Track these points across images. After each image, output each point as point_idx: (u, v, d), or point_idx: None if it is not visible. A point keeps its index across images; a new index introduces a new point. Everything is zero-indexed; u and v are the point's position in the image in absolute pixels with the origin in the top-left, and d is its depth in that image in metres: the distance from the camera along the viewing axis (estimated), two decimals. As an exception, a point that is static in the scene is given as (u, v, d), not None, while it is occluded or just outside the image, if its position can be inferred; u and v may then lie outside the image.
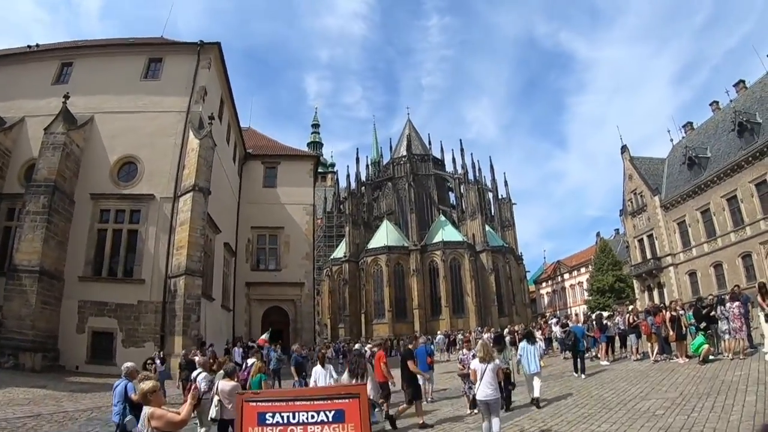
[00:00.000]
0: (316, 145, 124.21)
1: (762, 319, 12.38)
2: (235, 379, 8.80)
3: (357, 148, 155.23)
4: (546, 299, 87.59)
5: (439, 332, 38.84)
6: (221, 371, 9.30)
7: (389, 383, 11.32)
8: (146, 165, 24.00)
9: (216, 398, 8.37)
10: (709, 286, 36.56)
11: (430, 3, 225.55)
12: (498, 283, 64.90)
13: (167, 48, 27.50)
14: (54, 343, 20.94)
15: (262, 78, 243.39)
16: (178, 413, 4.87)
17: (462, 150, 75.57)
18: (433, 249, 64.10)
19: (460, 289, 62.47)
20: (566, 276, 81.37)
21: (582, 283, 73.57)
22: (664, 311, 16.02)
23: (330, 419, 4.88)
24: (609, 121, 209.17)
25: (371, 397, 10.23)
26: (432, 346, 22.52)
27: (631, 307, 22.88)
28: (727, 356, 13.35)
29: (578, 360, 15.15)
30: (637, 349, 17.13)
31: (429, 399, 12.86)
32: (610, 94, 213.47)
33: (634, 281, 49.28)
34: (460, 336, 29.79)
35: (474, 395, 7.97)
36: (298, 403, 5.06)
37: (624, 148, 49.53)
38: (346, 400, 5.00)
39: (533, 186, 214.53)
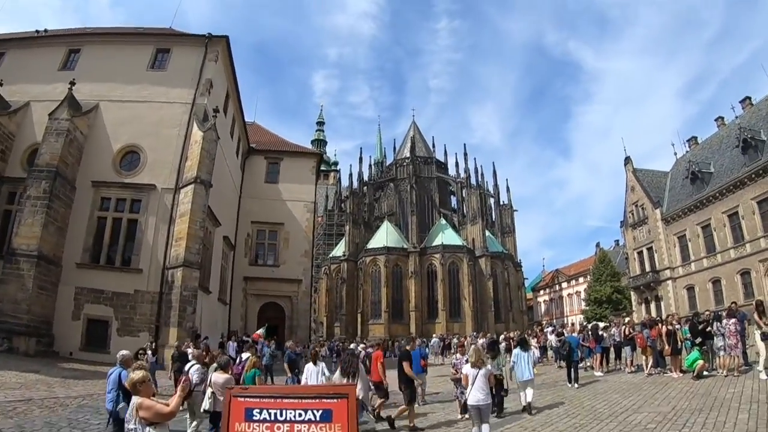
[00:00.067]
0: (320, 142, 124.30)
1: (758, 336, 12.33)
2: (229, 372, 8.80)
3: (360, 148, 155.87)
4: (543, 307, 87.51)
5: (434, 335, 38.87)
6: (214, 364, 9.28)
7: (383, 383, 11.31)
8: (149, 155, 23.98)
9: (209, 390, 8.35)
10: (706, 301, 36.49)
11: (441, 5, 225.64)
12: (496, 289, 65.00)
13: (175, 39, 27.48)
14: (49, 328, 20.91)
15: (269, 73, 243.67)
16: (167, 404, 4.85)
17: (465, 154, 75.68)
18: (433, 252, 64.18)
19: (457, 293, 62.56)
20: (564, 285, 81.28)
21: (580, 292, 73.52)
22: (660, 325, 16.00)
23: (317, 418, 4.84)
24: (614, 132, 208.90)
25: (360, 397, 10.22)
26: (427, 349, 22.53)
27: (627, 319, 22.87)
28: (722, 373, 13.31)
29: (572, 369, 15.13)
30: (631, 361, 17.13)
31: (421, 402, 12.83)
32: (617, 105, 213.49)
33: (632, 293, 49.23)
34: (455, 340, 29.77)
35: (465, 400, 7.94)
36: (286, 400, 5.03)
37: (627, 160, 49.51)
38: (335, 400, 4.97)
39: (535, 193, 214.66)
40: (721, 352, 13.56)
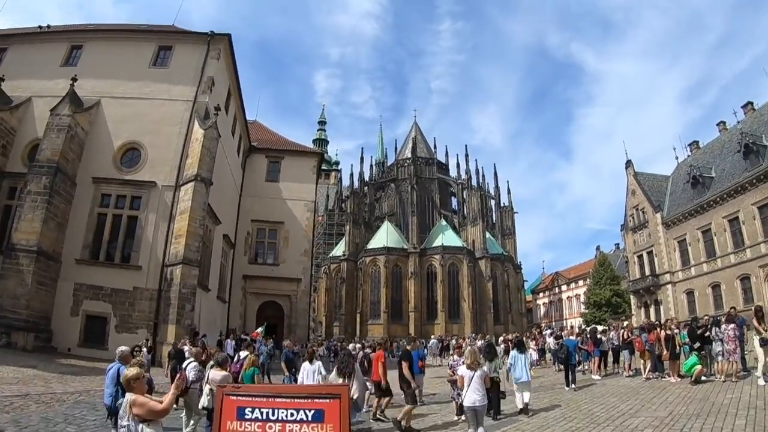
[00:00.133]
0: (322, 142, 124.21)
1: (757, 342, 12.29)
2: (227, 370, 8.80)
3: (362, 148, 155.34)
4: (542, 310, 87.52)
5: (433, 336, 38.83)
6: (212, 361, 9.29)
7: (382, 383, 11.32)
8: (150, 152, 23.98)
9: (207, 387, 8.35)
10: (706, 306, 36.49)
11: (444, 7, 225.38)
12: (495, 291, 64.99)
13: (177, 36, 27.46)
14: (47, 323, 20.94)
15: (271, 71, 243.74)
16: (161, 402, 4.85)
17: (467, 155, 75.77)
18: (433, 253, 64.18)
19: (457, 294, 62.55)
20: (564, 287, 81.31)
21: (579, 295, 73.48)
22: (658, 329, 15.99)
23: (309, 418, 4.83)
24: (615, 135, 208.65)
25: (355, 397, 10.23)
26: (425, 350, 22.48)
27: (626, 323, 22.84)
28: (720, 378, 13.29)
29: (570, 372, 15.14)
30: (629, 365, 17.11)
31: (418, 403, 12.81)
32: (618, 108, 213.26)
33: (632, 297, 49.20)
34: (453, 341, 29.72)
35: (461, 402, 7.94)
36: (278, 399, 5.01)
37: (629, 163, 49.50)
38: (327, 401, 4.95)
39: (536, 195, 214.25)
40: (720, 358, 13.54)
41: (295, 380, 12.56)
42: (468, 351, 8.62)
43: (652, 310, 44.48)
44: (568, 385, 14.90)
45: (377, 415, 11.31)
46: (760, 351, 12.16)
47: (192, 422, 9.01)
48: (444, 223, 70.13)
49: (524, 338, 24.97)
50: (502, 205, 76.65)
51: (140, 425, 4.68)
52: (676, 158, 48.59)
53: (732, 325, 13.17)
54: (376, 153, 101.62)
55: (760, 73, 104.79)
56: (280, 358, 16.16)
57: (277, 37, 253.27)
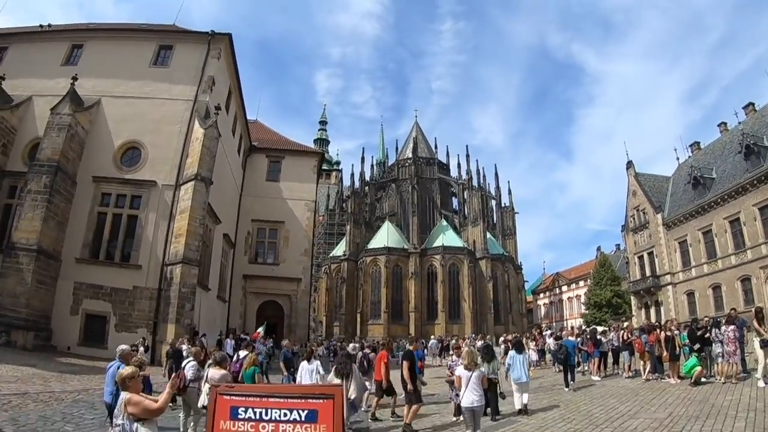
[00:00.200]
0: (323, 142, 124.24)
1: (757, 344, 12.26)
2: (226, 368, 8.80)
3: (363, 148, 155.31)
4: (543, 310, 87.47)
5: (432, 337, 38.81)
6: (210, 359, 9.30)
7: (383, 384, 11.31)
8: (150, 151, 24.01)
9: (206, 386, 8.34)
10: (706, 307, 36.42)
11: (446, 7, 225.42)
12: (496, 291, 64.95)
13: (178, 36, 27.50)
14: (47, 322, 20.97)
15: (272, 71, 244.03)
16: (156, 401, 4.84)
17: (468, 156, 75.70)
18: (433, 253, 64.15)
19: (457, 294, 62.51)
20: (564, 288, 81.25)
21: (580, 296, 73.40)
22: (658, 330, 15.94)
23: (302, 419, 4.80)
24: (616, 135, 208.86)
25: (353, 398, 10.22)
26: (424, 351, 22.43)
27: (626, 324, 22.80)
28: (719, 380, 13.25)
29: (569, 373, 15.12)
30: (629, 366, 17.04)
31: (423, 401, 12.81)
32: (619, 108, 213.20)
33: (632, 298, 49.10)
34: (453, 341, 29.66)
35: (459, 402, 7.92)
36: (271, 399, 4.98)
37: (629, 164, 49.42)
38: (321, 401, 4.92)
39: (536, 196, 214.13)
40: (720, 359, 13.50)
41: (294, 380, 12.55)
42: (465, 351, 8.61)
43: (652, 311, 44.43)
44: (567, 386, 14.88)
45: (375, 415, 11.30)
46: (760, 353, 12.13)
47: (192, 422, 9.01)
48: (445, 223, 70.12)
49: (524, 339, 24.97)
50: (502, 205, 76.64)
51: (135, 424, 4.67)
52: (677, 159, 48.55)
53: (732, 327, 13.13)
54: (377, 153, 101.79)
55: (761, 74, 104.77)
56: (279, 358, 16.15)
57: (277, 36, 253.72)
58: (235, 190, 33.70)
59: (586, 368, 18.71)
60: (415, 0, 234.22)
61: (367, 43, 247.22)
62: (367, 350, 16.25)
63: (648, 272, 45.64)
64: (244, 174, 35.64)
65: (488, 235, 68.42)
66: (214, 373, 8.30)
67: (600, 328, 21.92)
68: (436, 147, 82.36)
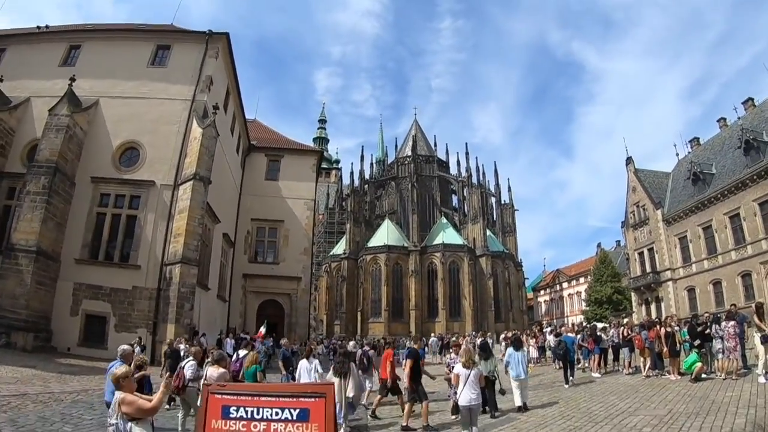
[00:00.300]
0: (322, 140, 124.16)
1: (758, 339, 12.22)
2: (225, 366, 8.80)
3: (362, 146, 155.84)
4: (543, 307, 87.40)
5: (432, 335, 38.80)
6: (209, 358, 9.31)
7: (388, 382, 11.31)
8: (148, 151, 23.97)
9: (206, 385, 8.33)
10: (707, 303, 36.37)
11: (444, 5, 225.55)
12: (496, 289, 65.02)
13: (176, 36, 27.43)
14: (47, 323, 20.93)
15: (271, 70, 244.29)
16: (150, 400, 4.83)
17: (467, 153, 75.90)
18: (433, 251, 64.17)
19: (457, 292, 62.55)
20: (565, 285, 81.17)
21: (580, 293, 73.37)
22: (658, 326, 15.91)
23: (294, 417, 4.76)
24: (616, 132, 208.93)
25: (351, 396, 10.21)
26: (425, 349, 22.42)
27: (626, 320, 22.76)
28: (720, 376, 13.20)
29: (568, 369, 15.13)
30: (629, 362, 17.02)
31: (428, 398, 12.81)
32: (619, 105, 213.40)
33: (633, 294, 49.05)
34: (454, 339, 29.60)
35: (456, 401, 7.91)
36: (263, 398, 4.94)
37: (629, 160, 49.35)
38: (312, 399, 4.88)
39: (537, 193, 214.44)
40: (720, 355, 13.47)
41: (294, 379, 12.55)
42: (463, 349, 8.62)
43: (653, 307, 44.39)
44: (567, 383, 14.88)
45: (376, 413, 11.30)
46: (761, 348, 12.09)
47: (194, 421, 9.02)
48: (444, 220, 70.15)
49: (524, 336, 24.98)
50: (502, 202, 76.77)
51: (129, 424, 4.66)
52: (677, 155, 48.48)
53: (732, 323, 13.09)
54: (377, 151, 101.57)
55: (761, 70, 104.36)
56: (279, 357, 16.14)
57: (276, 35, 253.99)
58: (234, 190, 33.66)
59: (586, 365, 18.68)
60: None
61: (366, 41, 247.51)
62: (366, 348, 16.26)
63: (648, 268, 45.58)
64: (243, 173, 35.60)
65: (488, 232, 68.51)
66: (212, 372, 8.30)
67: (600, 325, 21.91)
68: (435, 145, 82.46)
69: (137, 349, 14.46)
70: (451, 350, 16.37)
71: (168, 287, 21.47)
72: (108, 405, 7.11)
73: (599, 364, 17.57)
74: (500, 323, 60.69)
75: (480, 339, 21.39)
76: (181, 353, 12.96)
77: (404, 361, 11.24)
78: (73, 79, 23.24)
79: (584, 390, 14.11)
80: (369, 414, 11.44)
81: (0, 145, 23.28)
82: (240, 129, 34.46)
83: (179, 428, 9.00)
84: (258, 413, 4.81)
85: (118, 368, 5.03)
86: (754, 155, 34.51)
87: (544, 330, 28.62)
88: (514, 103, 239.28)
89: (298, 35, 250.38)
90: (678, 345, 15.01)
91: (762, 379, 11.60)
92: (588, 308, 59.11)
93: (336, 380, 9.88)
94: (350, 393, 10.07)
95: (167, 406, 11.31)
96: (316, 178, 39.27)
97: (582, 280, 74.37)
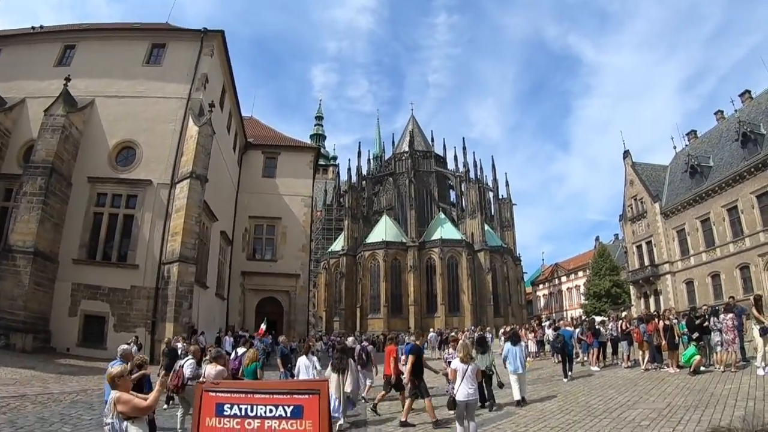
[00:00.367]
0: (319, 137, 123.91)
1: (756, 332, 12.25)
2: (224, 364, 8.81)
3: (359, 142, 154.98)
4: (542, 301, 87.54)
5: (431, 330, 38.81)
6: (207, 356, 9.32)
7: (392, 379, 11.32)
8: (145, 150, 23.91)
9: (205, 383, 8.33)
10: (705, 295, 36.41)
11: (440, 0, 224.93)
12: (495, 283, 65.09)
13: (171, 34, 27.33)
14: (45, 324, 20.90)
15: (268, 67, 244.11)
16: (145, 399, 4.82)
17: (464, 148, 75.76)
18: (431, 246, 64.19)
19: (456, 287, 62.62)
20: (563, 279, 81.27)
21: (579, 286, 73.43)
22: (656, 319, 15.94)
23: (288, 414, 4.77)
24: (613, 126, 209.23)
25: (350, 391, 10.23)
26: (424, 344, 22.41)
27: (624, 314, 22.79)
28: (719, 368, 13.25)
29: (567, 363, 15.16)
30: (628, 356, 17.04)
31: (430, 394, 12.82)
32: (616, 99, 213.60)
33: (631, 287, 49.07)
34: (453, 334, 29.58)
35: (453, 396, 7.89)
36: (257, 396, 4.96)
37: (626, 153, 49.25)
38: (306, 396, 4.89)
39: (535, 187, 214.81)
40: (719, 348, 13.51)
41: (292, 376, 12.58)
42: (460, 344, 8.61)
43: (651, 300, 44.42)
44: (566, 377, 14.91)
45: (377, 408, 11.31)
46: (759, 340, 12.12)
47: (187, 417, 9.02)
48: (442, 216, 70.16)
49: (523, 330, 25.00)
50: (500, 197, 76.80)
51: (125, 423, 4.65)
52: (674, 148, 48.38)
53: (730, 315, 13.13)
54: (374, 147, 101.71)
55: (758, 62, 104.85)
56: (277, 354, 16.14)
57: (273, 33, 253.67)
58: (231, 188, 33.60)
59: (585, 359, 18.72)
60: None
61: (362, 37, 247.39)
62: (365, 343, 16.27)
63: (647, 261, 45.61)
64: (240, 171, 35.55)
65: (486, 227, 68.55)
66: (210, 370, 8.30)
67: (598, 318, 21.93)
68: (432, 140, 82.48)
69: (134, 348, 14.45)
70: (449, 346, 16.40)
71: (166, 286, 21.44)
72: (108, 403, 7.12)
73: (598, 357, 17.61)
74: (499, 318, 60.81)
75: (478, 333, 21.43)
76: (179, 352, 12.95)
77: (406, 356, 11.22)
78: (68, 79, 23.12)
79: (583, 384, 14.13)
80: (370, 408, 11.44)
81: (-4, 146, 23.20)
82: (236, 126, 34.38)
83: (178, 427, 9.00)
84: (252, 411, 4.82)
85: (114, 367, 5.03)
86: (752, 148, 34.48)
87: (542, 324, 28.66)
88: (511, 98, 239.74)
89: (294, 32, 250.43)
90: (676, 338, 15.06)
91: (761, 372, 11.63)
92: (587, 302, 59.25)
93: (334, 376, 9.91)
94: (348, 388, 10.09)
95: (165, 406, 11.32)
96: (313, 174, 39.20)
97: (581, 273, 74.44)
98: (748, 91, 39.78)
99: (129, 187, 23.43)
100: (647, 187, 45.74)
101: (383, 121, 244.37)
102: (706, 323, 14.41)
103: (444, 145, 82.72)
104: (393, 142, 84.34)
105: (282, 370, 13.72)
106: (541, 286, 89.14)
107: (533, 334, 24.46)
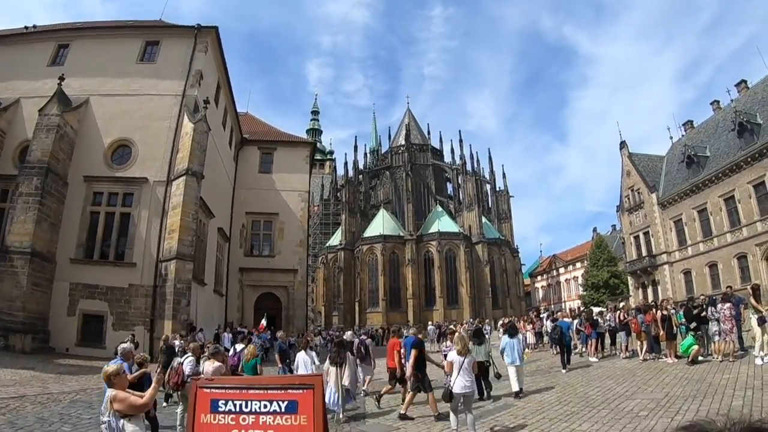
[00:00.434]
0: (315, 132, 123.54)
1: (754, 321, 12.29)
2: (222, 360, 8.83)
3: (355, 136, 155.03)
4: (541, 293, 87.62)
5: (430, 323, 38.87)
6: (206, 353, 9.36)
7: (398, 372, 11.36)
8: (140, 148, 23.86)
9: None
10: (703, 285, 36.50)
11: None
12: (493, 275, 65.03)
13: (164, 31, 27.25)
14: (44, 324, 20.89)
15: (263, 63, 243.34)
16: (142, 396, 4.83)
17: (461, 141, 75.66)
18: (429, 239, 64.07)
19: (454, 280, 62.56)
20: (561, 270, 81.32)
21: (577, 277, 73.45)
22: (654, 310, 15.97)
23: (282, 410, 4.77)
24: (609, 116, 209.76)
25: (347, 384, 10.25)
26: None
27: (622, 304, 22.83)
28: (717, 358, 13.28)
29: (565, 354, 15.23)
30: (626, 346, 17.08)
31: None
32: (612, 89, 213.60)
33: (629, 278, 49.12)
34: (452, 327, 29.58)
35: (449, 389, 7.92)
36: (251, 391, 4.96)
37: (623, 144, 49.17)
38: (300, 391, 4.89)
39: (532, 179, 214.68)
40: (716, 338, 13.54)
41: (290, 371, 12.61)
42: (457, 337, 8.64)
43: (649, 290, 44.50)
44: (564, 368, 14.96)
45: (380, 399, 11.36)
46: (758, 330, 12.16)
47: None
48: (440, 209, 70.10)
49: (522, 322, 25.06)
50: (497, 189, 76.73)
51: (121, 420, 4.66)
52: (671, 138, 48.30)
53: (728, 305, 13.16)
54: (370, 141, 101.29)
55: (754, 52, 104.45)
56: (275, 350, 16.16)
57: (267, 28, 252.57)
58: (228, 184, 33.57)
59: (583, 350, 18.77)
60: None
61: (357, 31, 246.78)
62: (363, 337, 16.29)
63: (644, 252, 45.66)
64: (236, 167, 35.50)
65: (484, 219, 68.52)
66: (208, 366, 8.33)
67: (596, 309, 21.97)
68: (429, 133, 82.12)
69: (131, 346, 14.45)
70: (447, 339, 16.43)
71: (164, 284, 21.45)
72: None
73: (596, 348, 17.66)
74: (498, 310, 60.76)
75: (475, 326, 21.46)
76: (176, 349, 12.95)
77: (407, 350, 11.24)
78: (62, 78, 23.06)
79: (581, 374, 14.19)
80: (374, 398, 11.49)
81: (-9, 146, 23.13)
82: (232, 123, 34.32)
83: (178, 423, 9.02)
84: (246, 406, 4.82)
85: (109, 366, 5.02)
86: (748, 137, 34.49)
87: (541, 315, 28.73)
88: (508, 90, 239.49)
89: (289, 27, 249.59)
90: (674, 328, 15.11)
91: (759, 361, 11.67)
92: (585, 293, 59.33)
93: (332, 369, 9.95)
94: (346, 381, 10.13)
95: (164, 404, 11.34)
96: (309, 169, 39.19)
97: (578, 265, 74.47)
98: (744, 81, 39.74)
99: (125, 186, 23.40)
100: (644, 177, 45.74)
101: (379, 115, 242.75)
102: (704, 313, 14.44)
103: (440, 138, 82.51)
104: (389, 136, 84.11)
105: (280, 365, 13.74)
106: (539, 277, 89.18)
107: (531, 326, 24.52)
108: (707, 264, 37.60)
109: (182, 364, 9.64)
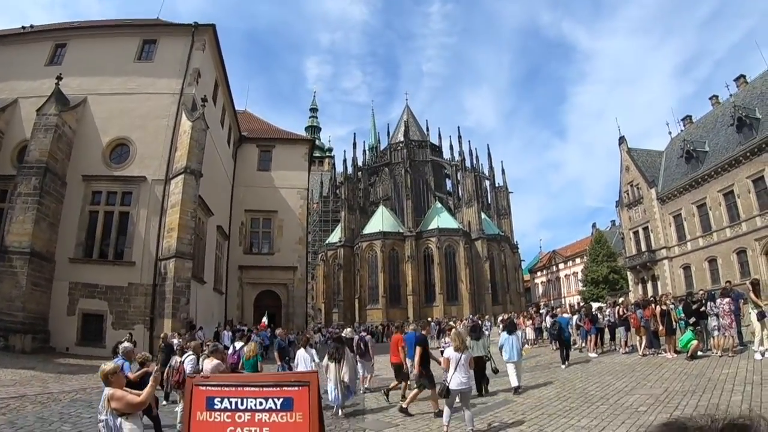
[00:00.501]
0: (314, 129, 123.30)
1: (754, 316, 12.30)
2: (221, 358, 8.84)
3: (354, 133, 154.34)
4: (540, 288, 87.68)
5: (430, 319, 38.92)
6: (206, 351, 9.37)
7: (404, 368, 11.39)
8: (138, 147, 23.85)
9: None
10: (703, 280, 36.47)
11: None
12: (492, 271, 65.11)
13: (161, 29, 27.24)
14: (44, 324, 20.89)
15: (261, 60, 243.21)
16: (139, 395, 4.83)
17: (460, 137, 75.51)
18: (429, 235, 64.13)
19: (454, 276, 62.61)
20: (561, 266, 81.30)
21: (577, 273, 73.48)
22: (653, 305, 15.97)
23: (278, 407, 4.76)
24: (608, 112, 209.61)
25: (347, 380, 10.28)
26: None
27: (621, 299, 22.85)
28: (716, 353, 13.29)
29: (564, 350, 15.24)
30: (626, 342, 17.12)
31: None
32: (611, 85, 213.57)
33: (629, 273, 49.07)
34: (452, 323, 29.60)
35: (446, 385, 7.92)
36: (247, 389, 4.95)
37: (622, 139, 49.06)
38: (296, 388, 4.88)
39: (531, 175, 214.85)
40: (716, 333, 13.53)
41: (290, 368, 12.64)
42: (454, 333, 8.64)
43: (649, 285, 44.51)
44: (563, 363, 14.98)
45: (388, 394, 11.41)
46: (757, 325, 12.16)
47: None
48: (439, 205, 70.12)
49: (522, 317, 25.09)
50: (497, 185, 76.74)
51: (119, 419, 4.66)
52: (669, 133, 48.18)
53: (727, 300, 13.14)
54: (369, 138, 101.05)
55: (753, 47, 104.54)
56: (274, 347, 16.18)
57: (265, 26, 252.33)
58: (226, 182, 33.54)
59: (583, 345, 18.79)
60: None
61: (355, 28, 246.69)
62: (363, 334, 16.30)
63: (644, 247, 45.64)
64: (235, 165, 35.45)
65: (483, 215, 68.53)
66: (208, 364, 8.34)
67: (595, 305, 21.96)
68: (427, 129, 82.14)
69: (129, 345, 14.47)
70: (446, 335, 16.45)
71: (163, 282, 21.46)
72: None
73: (596, 343, 17.67)
74: (498, 306, 60.90)
75: (479, 322, 21.48)
76: (174, 347, 12.96)
77: (411, 347, 11.25)
78: (60, 78, 22.99)
79: (580, 370, 14.21)
80: (383, 393, 11.53)
81: (-11, 147, 23.10)
82: (230, 121, 34.29)
83: (178, 421, 9.02)
84: (242, 404, 4.82)
85: (107, 365, 5.02)
86: (747, 132, 34.43)
87: (540, 311, 28.76)
88: (507, 86, 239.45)
89: (286, 24, 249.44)
90: (674, 323, 15.10)
91: (758, 356, 11.67)
92: (585, 288, 59.34)
93: (332, 365, 9.98)
94: (345, 377, 10.16)
95: (164, 402, 11.33)
96: (308, 166, 39.15)
97: (578, 260, 74.46)
98: (743, 76, 39.66)
99: (124, 184, 23.39)
100: (643, 172, 45.68)
101: (378, 111, 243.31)
102: (703, 308, 14.43)
103: (439, 135, 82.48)
104: (388, 133, 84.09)
105: (279, 362, 13.75)
106: (539, 273, 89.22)
107: (531, 322, 24.55)
108: (707, 259, 37.59)
109: (183, 362, 9.65)
